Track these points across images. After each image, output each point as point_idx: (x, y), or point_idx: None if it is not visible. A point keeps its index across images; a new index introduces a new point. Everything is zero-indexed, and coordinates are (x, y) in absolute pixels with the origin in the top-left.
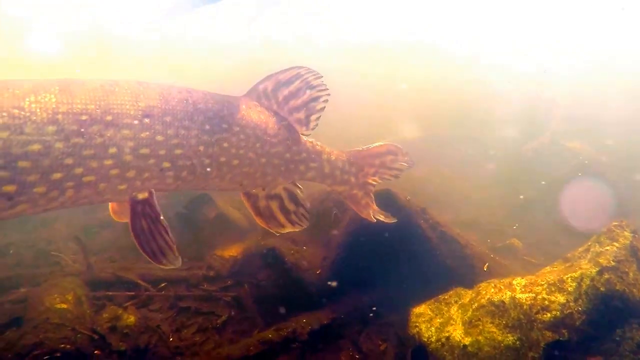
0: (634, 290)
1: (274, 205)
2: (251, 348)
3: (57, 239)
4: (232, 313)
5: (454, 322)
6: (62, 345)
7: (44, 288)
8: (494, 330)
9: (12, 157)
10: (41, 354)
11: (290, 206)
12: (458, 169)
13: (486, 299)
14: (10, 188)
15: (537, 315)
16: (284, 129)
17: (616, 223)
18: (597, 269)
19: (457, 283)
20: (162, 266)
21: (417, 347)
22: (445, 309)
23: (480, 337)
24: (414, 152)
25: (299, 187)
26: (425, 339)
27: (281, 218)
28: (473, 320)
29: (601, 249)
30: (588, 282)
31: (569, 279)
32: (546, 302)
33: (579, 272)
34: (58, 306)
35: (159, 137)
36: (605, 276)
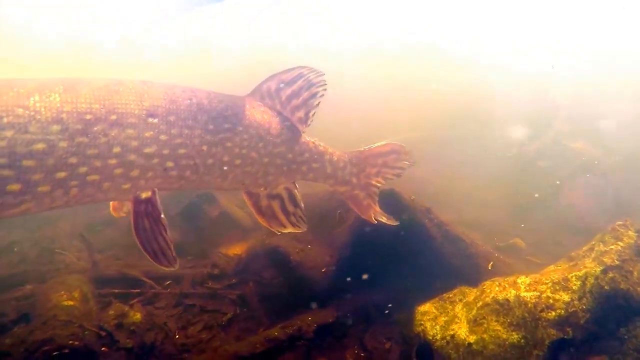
0: (638, 289)
1: (276, 205)
2: (258, 345)
3: (60, 237)
4: (238, 311)
5: (458, 321)
6: (71, 342)
7: (50, 285)
8: (499, 328)
9: (17, 156)
10: (50, 350)
11: (290, 207)
12: (459, 169)
13: (491, 297)
14: (15, 187)
15: (541, 314)
16: (287, 129)
17: (620, 222)
18: (602, 267)
19: (462, 282)
20: (162, 266)
21: (421, 345)
22: (450, 307)
23: (485, 335)
24: (415, 153)
25: (297, 188)
26: (430, 337)
27: (282, 218)
28: (478, 319)
29: (605, 248)
30: (592, 281)
31: (574, 277)
32: (551, 301)
33: (583, 270)
34: (65, 303)
35: (163, 137)
36: (610, 275)
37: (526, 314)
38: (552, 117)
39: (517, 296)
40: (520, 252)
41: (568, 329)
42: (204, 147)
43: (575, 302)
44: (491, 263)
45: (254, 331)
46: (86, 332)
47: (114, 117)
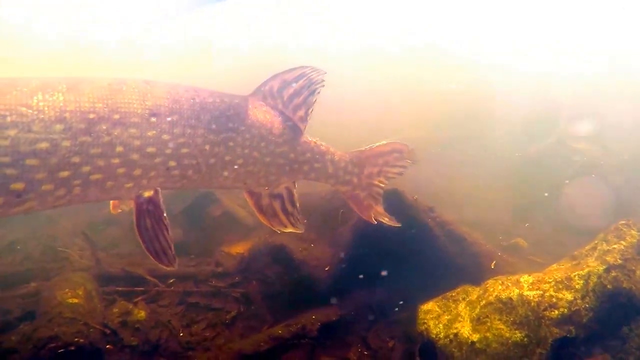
0: None
1: (277, 205)
2: (262, 343)
3: (62, 235)
4: (241, 309)
5: (462, 319)
6: (76, 339)
7: (54, 283)
8: (502, 327)
9: (20, 155)
10: (56, 347)
11: (289, 207)
12: (461, 170)
13: (494, 296)
14: (18, 185)
15: (544, 312)
16: (289, 128)
17: (623, 222)
18: (604, 266)
19: (465, 280)
20: (163, 266)
21: (425, 344)
22: (453, 305)
23: (488, 334)
24: (417, 153)
25: (295, 188)
26: (434, 336)
27: (283, 218)
28: (481, 317)
29: (608, 247)
30: (595, 280)
31: (577, 276)
32: (554, 300)
33: (586, 269)
34: (70, 301)
35: (166, 136)
36: (613, 274)
37: (529, 313)
38: (554, 117)
39: (520, 295)
40: (522, 251)
41: (571, 328)
42: (207, 147)
43: (578, 301)
44: (494, 262)
45: (258, 329)
46: (91, 330)
47: (117, 116)
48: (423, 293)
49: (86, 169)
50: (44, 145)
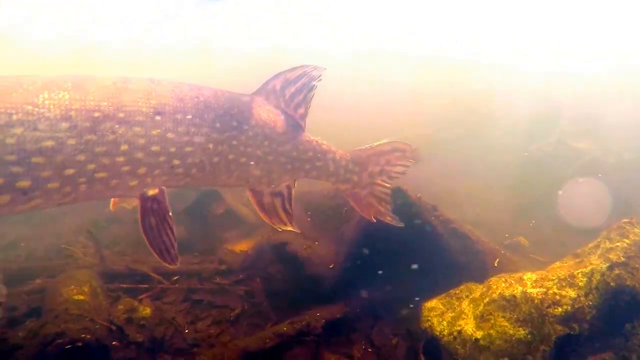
0: None
1: (277, 203)
2: (267, 341)
3: (65, 233)
4: (245, 307)
5: (465, 317)
6: (83, 336)
7: (59, 280)
8: (506, 324)
9: (26, 153)
10: (63, 344)
11: (287, 206)
12: (461, 169)
13: (497, 293)
14: (24, 183)
15: (548, 310)
16: (292, 127)
17: (626, 220)
18: (608, 264)
19: (468, 278)
20: (166, 264)
21: (428, 341)
22: (457, 303)
23: (492, 331)
24: (419, 152)
25: (294, 187)
26: (438, 333)
27: (283, 216)
28: (484, 315)
29: (611, 245)
30: (599, 277)
31: (580, 274)
32: (557, 297)
33: (589, 267)
34: (75, 297)
35: (170, 135)
36: (616, 272)
37: (533, 310)
38: (554, 117)
39: (524, 292)
40: (523, 250)
41: (574, 325)
42: (211, 145)
43: (582, 298)
44: (497, 260)
45: (262, 326)
46: (97, 327)
47: (121, 114)
48: (426, 290)
49: (91, 167)
50: (49, 143)
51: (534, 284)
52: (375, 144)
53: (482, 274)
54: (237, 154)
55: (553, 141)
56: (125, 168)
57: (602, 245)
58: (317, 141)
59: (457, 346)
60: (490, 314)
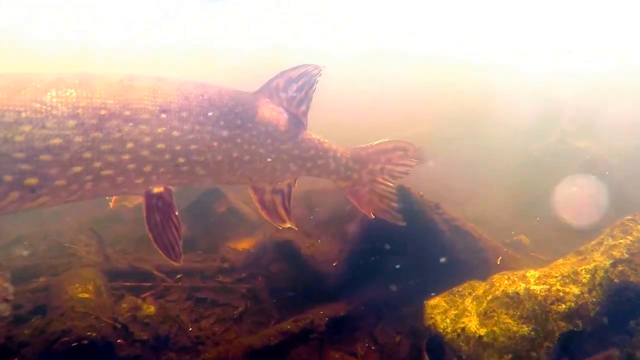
0: None
1: (278, 200)
2: (271, 338)
3: (68, 232)
4: (249, 304)
5: (468, 314)
6: (89, 333)
7: (64, 278)
8: (509, 321)
9: (35, 151)
10: (69, 341)
11: (287, 203)
12: (463, 168)
13: (500, 290)
14: (32, 181)
15: (551, 306)
16: (294, 126)
17: (629, 217)
18: (611, 261)
19: (471, 276)
20: (171, 261)
21: (432, 339)
22: (460, 300)
23: (495, 328)
24: (421, 151)
25: (295, 185)
26: (441, 330)
27: (282, 213)
28: (488, 312)
29: (614, 242)
30: (602, 274)
31: (583, 270)
32: (561, 294)
33: (593, 264)
34: (80, 295)
35: (175, 133)
36: (619, 268)
37: (536, 307)
38: (555, 116)
39: (527, 289)
40: (524, 249)
41: (578, 322)
42: (215, 143)
43: (585, 295)
44: (500, 257)
45: (265, 324)
46: (102, 324)
47: (127, 112)
48: (429, 288)
49: (97, 164)
50: (57, 141)
51: (537, 281)
52: (376, 142)
53: (485, 272)
54: (241, 152)
55: (554, 140)
56: (131, 166)
57: (605, 243)
58: (318, 139)
59: (460, 343)
60: (494, 311)
